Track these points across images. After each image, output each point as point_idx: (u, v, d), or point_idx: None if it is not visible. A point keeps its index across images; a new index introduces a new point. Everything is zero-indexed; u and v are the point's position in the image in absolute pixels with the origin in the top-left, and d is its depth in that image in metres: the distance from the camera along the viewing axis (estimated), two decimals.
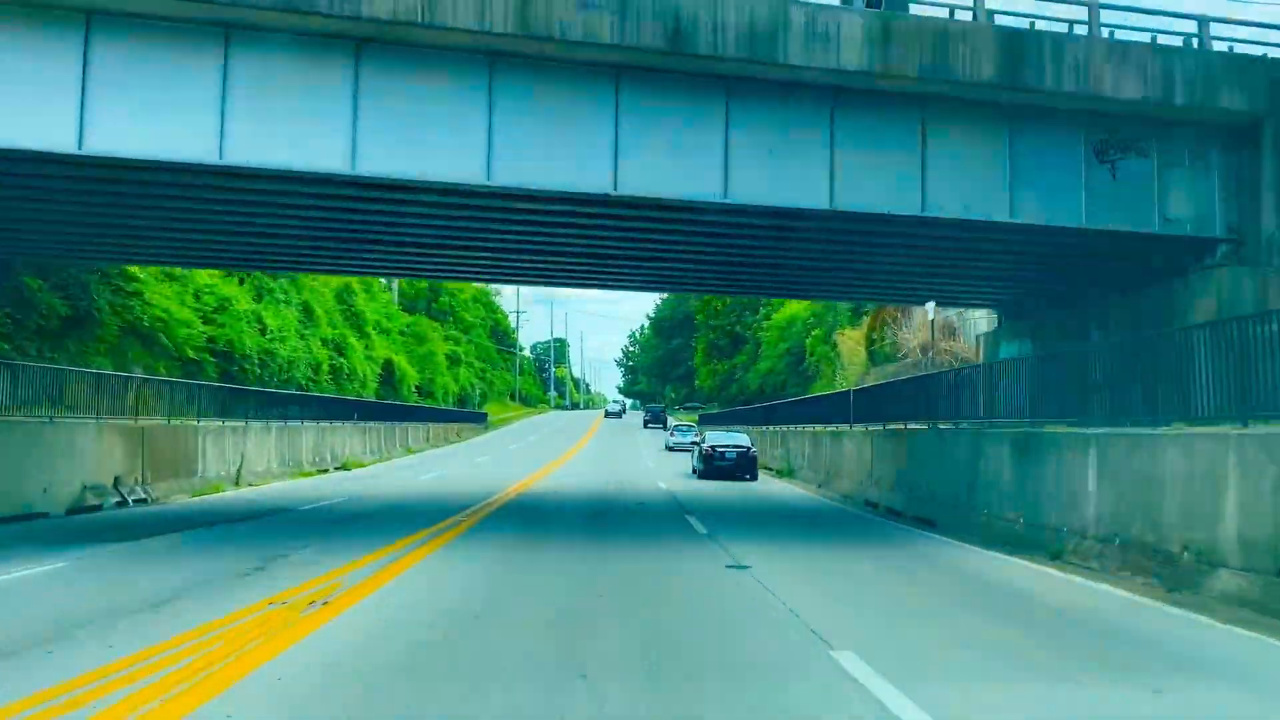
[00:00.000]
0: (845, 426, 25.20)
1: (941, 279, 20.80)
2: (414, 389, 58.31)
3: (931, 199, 14.94)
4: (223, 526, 15.24)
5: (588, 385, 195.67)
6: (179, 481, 22.56)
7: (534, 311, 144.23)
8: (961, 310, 33.49)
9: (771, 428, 38.08)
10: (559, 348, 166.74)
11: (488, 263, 20.38)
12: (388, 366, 53.13)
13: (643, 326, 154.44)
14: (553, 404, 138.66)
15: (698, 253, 18.25)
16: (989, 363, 16.62)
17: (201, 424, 24.41)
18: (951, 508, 16.38)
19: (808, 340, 47.97)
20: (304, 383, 38.20)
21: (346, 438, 36.89)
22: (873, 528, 16.84)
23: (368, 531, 14.13)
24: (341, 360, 43.17)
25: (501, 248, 18.38)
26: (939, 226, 15.75)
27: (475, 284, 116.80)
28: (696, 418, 67.28)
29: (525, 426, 75.11)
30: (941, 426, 18.52)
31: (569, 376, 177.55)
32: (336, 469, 33.93)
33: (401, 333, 64.54)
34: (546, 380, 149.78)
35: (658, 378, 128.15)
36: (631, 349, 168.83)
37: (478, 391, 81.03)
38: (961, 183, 15.12)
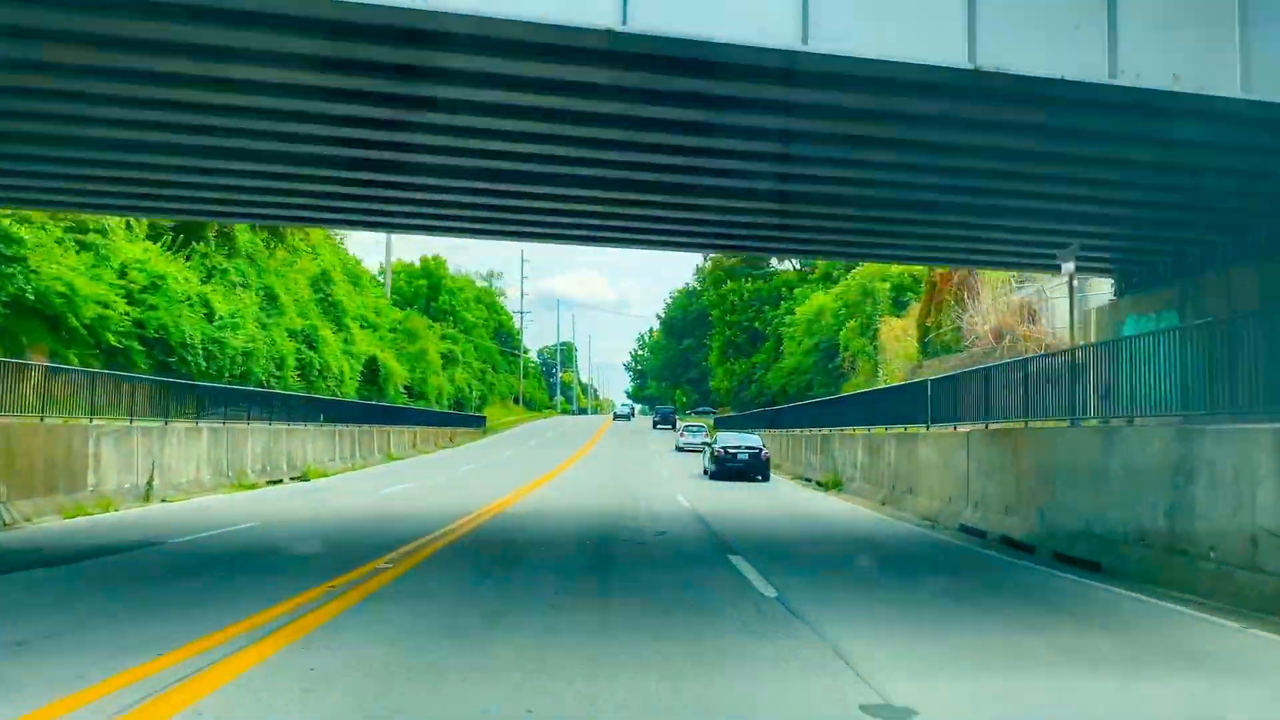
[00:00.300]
0: (920, 428, 19.64)
1: (1071, 222, 15.09)
2: (402, 390, 52.82)
3: (1124, 61, 9.40)
4: (25, 574, 9.82)
5: (596, 390, 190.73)
6: (55, 499, 17.12)
7: (541, 317, 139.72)
8: (1040, 287, 27.89)
9: (806, 431, 32.49)
10: (565, 351, 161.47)
11: (404, 196, 14.65)
12: (371, 364, 47.65)
13: (651, 329, 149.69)
14: (559, 409, 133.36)
15: (751, 168, 12.59)
16: (1213, 320, 11.07)
17: (95, 423, 19.01)
18: (1132, 545, 10.84)
19: (841, 333, 42.26)
20: (264, 379, 32.80)
21: (310, 442, 31.48)
22: (1017, 577, 11.24)
23: (230, 589, 8.72)
24: (312, 354, 37.71)
25: (430, 165, 12.76)
26: (1121, 112, 10.24)
27: (477, 286, 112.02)
28: (712, 421, 62.18)
29: (527, 431, 69.70)
30: (1085, 424, 12.98)
31: (576, 381, 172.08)
32: (294, 479, 28.53)
33: (392, 330, 59.02)
34: (553, 385, 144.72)
35: (668, 381, 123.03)
36: (640, 352, 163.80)
37: (475, 394, 75.54)
38: (1168, 41, 9.59)
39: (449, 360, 69.80)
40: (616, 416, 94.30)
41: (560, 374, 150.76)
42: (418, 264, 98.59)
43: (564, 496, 22.36)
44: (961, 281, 29.42)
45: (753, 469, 28.60)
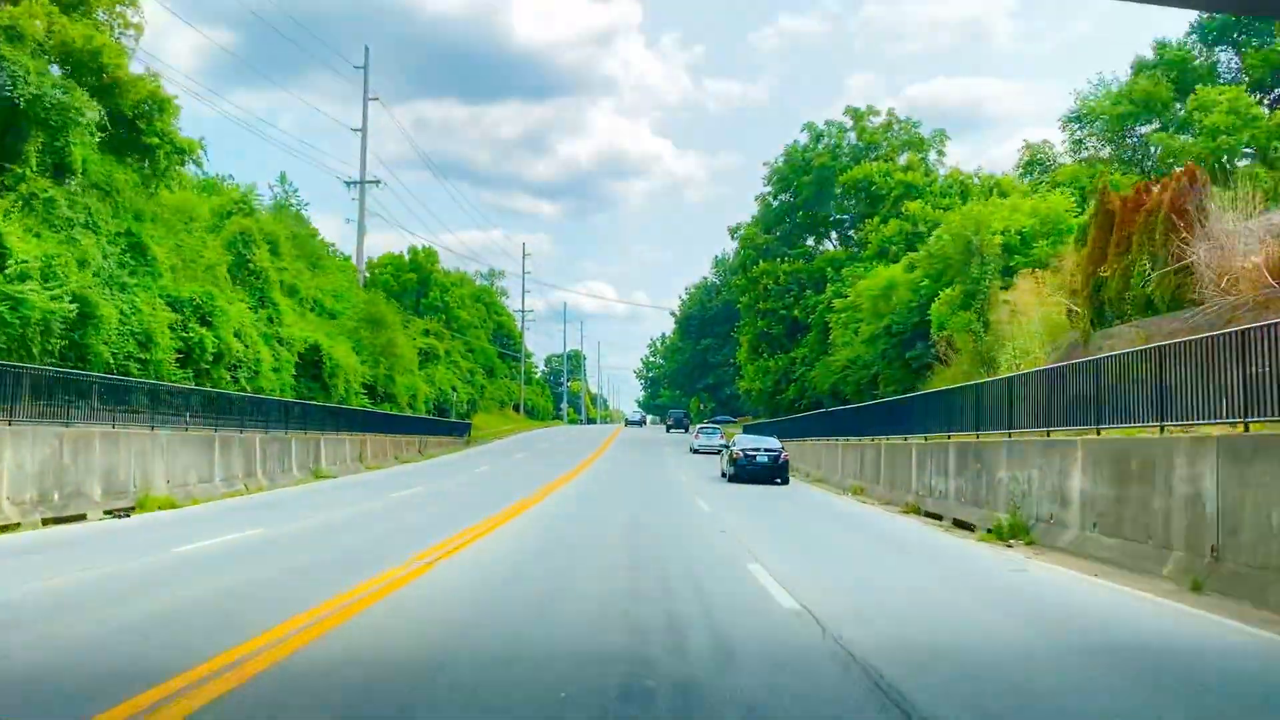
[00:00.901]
0: None
1: None
2: (361, 389, 42.01)
3: None
4: None
5: (605, 400, 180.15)
6: None
7: (551, 329, 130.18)
8: None
9: (919, 439, 21.52)
10: (573, 359, 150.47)
11: None
12: (313, 354, 36.84)
13: (663, 335, 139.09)
14: (566, 418, 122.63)
15: None
16: None
17: None
18: None
19: (932, 307, 31.06)
20: (112, 361, 22.05)
21: (161, 455, 20.59)
22: None
23: None
24: (204, 332, 26.87)
25: None
26: None
27: (475, 284, 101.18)
28: (741, 428, 51.41)
29: (519, 441, 58.79)
30: None
31: (585, 390, 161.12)
32: (113, 513, 17.75)
33: (362, 320, 48.08)
34: (559, 394, 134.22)
35: (682, 388, 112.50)
36: (652, 359, 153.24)
37: (462, 397, 64.53)
38: None
39: (428, 357, 58.95)
40: (629, 423, 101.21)
41: (568, 383, 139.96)
42: (406, 255, 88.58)
43: (520, 564, 11.49)
44: (1175, 200, 18.43)
45: (772, 472, 28.94)
